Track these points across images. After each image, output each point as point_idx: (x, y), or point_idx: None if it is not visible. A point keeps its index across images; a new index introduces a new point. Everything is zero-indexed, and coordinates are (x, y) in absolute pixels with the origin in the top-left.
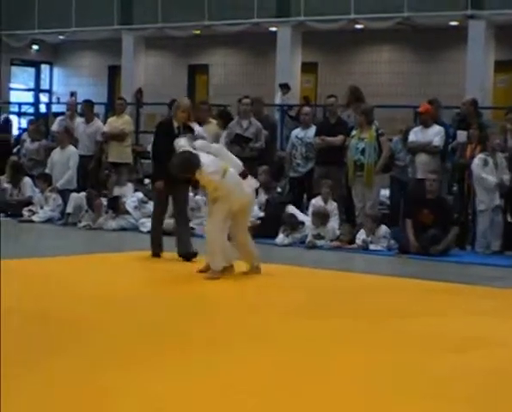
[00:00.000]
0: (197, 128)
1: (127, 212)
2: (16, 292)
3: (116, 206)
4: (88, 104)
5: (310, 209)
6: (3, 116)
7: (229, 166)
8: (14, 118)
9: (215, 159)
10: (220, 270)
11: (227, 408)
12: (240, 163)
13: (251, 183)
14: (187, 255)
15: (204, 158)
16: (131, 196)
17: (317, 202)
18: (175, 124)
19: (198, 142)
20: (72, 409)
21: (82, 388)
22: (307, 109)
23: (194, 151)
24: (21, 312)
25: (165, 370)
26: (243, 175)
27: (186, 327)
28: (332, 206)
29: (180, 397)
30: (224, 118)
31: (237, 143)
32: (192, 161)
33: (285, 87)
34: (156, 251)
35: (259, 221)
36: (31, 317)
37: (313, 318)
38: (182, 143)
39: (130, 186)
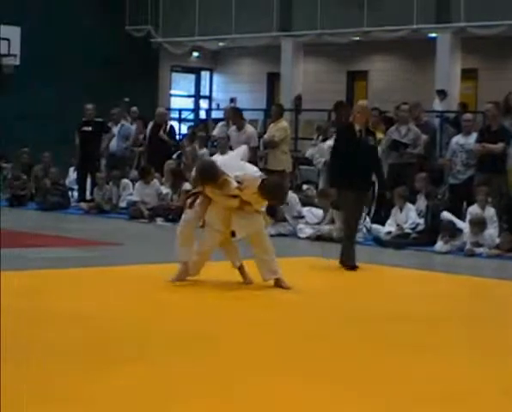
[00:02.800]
0: None
1: (285, 219)
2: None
3: (274, 213)
4: (237, 111)
5: (467, 217)
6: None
7: None
8: (175, 125)
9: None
10: None
11: None
12: None
13: None
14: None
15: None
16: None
17: (474, 209)
18: (357, 128)
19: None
20: None
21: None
22: (468, 116)
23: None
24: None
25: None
26: None
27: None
28: (490, 213)
29: None
30: (386, 124)
31: (394, 149)
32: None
33: (442, 94)
34: (350, 264)
35: None
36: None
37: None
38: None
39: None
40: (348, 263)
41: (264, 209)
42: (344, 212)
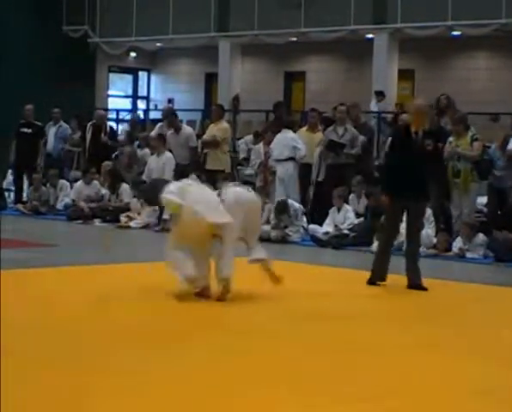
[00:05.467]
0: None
1: None
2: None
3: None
4: (172, 115)
5: (405, 217)
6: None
7: None
8: (112, 125)
9: None
10: None
11: None
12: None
13: None
14: (418, 287)
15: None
16: None
17: None
18: (413, 130)
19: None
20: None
21: None
22: (403, 117)
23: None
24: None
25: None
26: None
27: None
28: (427, 213)
29: None
30: (326, 125)
31: (332, 150)
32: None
33: (380, 95)
34: (374, 280)
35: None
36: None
37: (402, 325)
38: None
39: None
40: (374, 277)
41: None
42: (385, 221)
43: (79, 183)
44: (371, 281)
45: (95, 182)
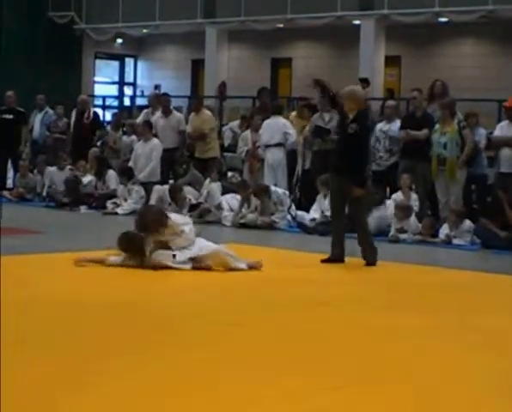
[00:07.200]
0: None
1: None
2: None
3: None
4: (164, 98)
5: (392, 203)
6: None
7: None
8: (98, 111)
9: None
10: None
11: None
12: None
13: None
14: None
15: None
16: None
17: (397, 196)
18: (348, 115)
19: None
20: None
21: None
22: (391, 102)
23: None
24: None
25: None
26: None
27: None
28: (413, 199)
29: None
30: (311, 111)
31: (318, 136)
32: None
33: (365, 82)
34: (334, 256)
35: None
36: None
37: (390, 311)
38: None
39: (218, 185)
40: (331, 256)
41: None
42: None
43: (52, 169)
44: (327, 260)
45: (68, 167)
